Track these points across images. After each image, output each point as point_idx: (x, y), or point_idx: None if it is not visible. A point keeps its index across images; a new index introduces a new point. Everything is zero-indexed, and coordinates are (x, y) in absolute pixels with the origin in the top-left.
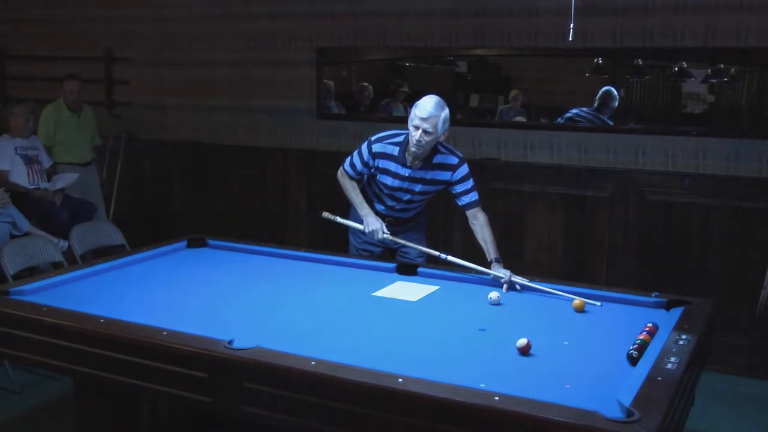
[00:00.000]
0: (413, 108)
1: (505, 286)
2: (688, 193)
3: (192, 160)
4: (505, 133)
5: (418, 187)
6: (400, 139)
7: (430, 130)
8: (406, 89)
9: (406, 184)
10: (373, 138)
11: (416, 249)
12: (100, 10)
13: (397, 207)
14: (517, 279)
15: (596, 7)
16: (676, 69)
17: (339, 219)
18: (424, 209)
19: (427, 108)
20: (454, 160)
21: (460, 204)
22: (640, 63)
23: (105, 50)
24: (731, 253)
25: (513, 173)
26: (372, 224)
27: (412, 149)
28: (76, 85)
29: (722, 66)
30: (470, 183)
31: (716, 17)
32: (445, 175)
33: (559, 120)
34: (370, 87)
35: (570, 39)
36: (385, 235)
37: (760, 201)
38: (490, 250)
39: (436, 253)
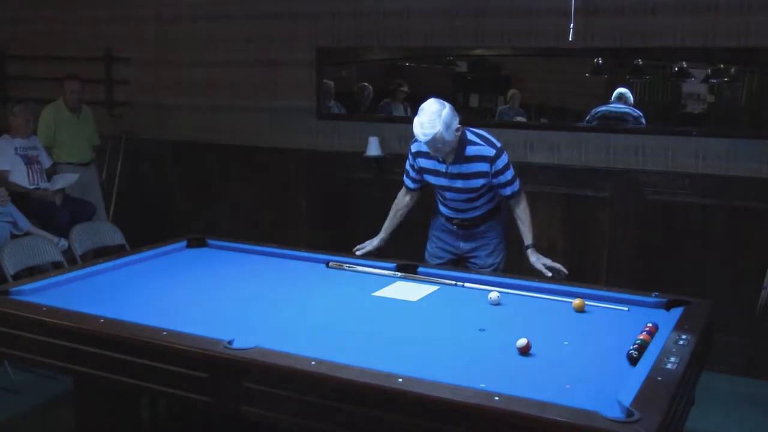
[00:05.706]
0: (414, 128)
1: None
2: (688, 193)
3: (192, 160)
4: (505, 133)
5: (458, 183)
6: None
7: (440, 145)
8: (406, 89)
9: (446, 181)
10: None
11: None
12: (100, 10)
13: (457, 207)
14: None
15: (596, 7)
16: (676, 69)
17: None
18: (497, 214)
19: (424, 130)
20: (491, 152)
21: (502, 194)
22: (640, 63)
23: (105, 50)
24: (731, 253)
25: None
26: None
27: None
28: (77, 85)
29: (722, 66)
30: (510, 174)
31: (716, 17)
32: (484, 167)
33: (587, 119)
34: (370, 87)
35: (570, 39)
36: (358, 252)
37: (760, 201)
38: (525, 233)
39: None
